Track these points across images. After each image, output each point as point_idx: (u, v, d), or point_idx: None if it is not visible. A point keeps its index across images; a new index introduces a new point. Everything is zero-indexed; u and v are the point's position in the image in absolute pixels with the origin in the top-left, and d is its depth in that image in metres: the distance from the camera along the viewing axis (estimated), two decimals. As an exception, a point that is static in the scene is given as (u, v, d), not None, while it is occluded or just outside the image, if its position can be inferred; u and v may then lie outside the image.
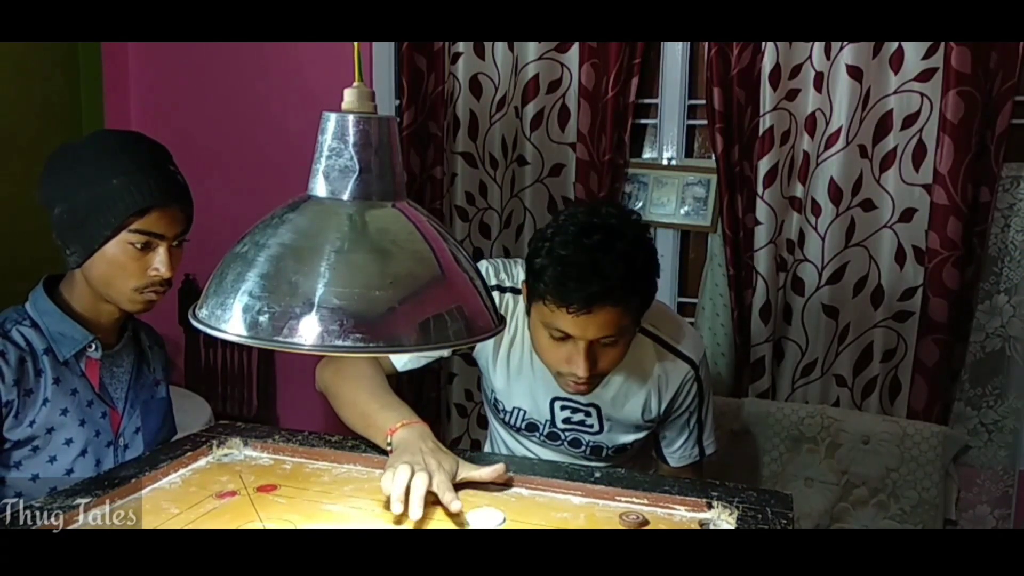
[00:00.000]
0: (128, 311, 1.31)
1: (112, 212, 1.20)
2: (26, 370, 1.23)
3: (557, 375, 1.31)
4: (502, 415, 1.47)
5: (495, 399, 1.47)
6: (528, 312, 1.31)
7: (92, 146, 1.25)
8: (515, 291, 1.42)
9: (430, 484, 1.14)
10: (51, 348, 1.26)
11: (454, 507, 1.13)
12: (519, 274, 1.43)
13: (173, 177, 1.26)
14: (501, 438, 1.56)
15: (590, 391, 1.32)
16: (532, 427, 1.46)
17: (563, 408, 1.43)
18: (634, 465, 1.55)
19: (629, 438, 1.45)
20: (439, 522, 1.14)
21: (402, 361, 1.45)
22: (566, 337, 1.23)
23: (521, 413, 1.45)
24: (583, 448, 1.45)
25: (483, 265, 1.46)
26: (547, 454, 1.49)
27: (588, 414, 1.42)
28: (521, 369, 1.42)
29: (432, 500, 1.16)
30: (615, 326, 1.22)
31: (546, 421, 1.44)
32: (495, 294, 1.42)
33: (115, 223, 1.21)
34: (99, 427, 1.30)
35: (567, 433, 1.45)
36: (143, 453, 1.33)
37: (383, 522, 1.14)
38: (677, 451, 1.51)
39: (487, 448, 1.64)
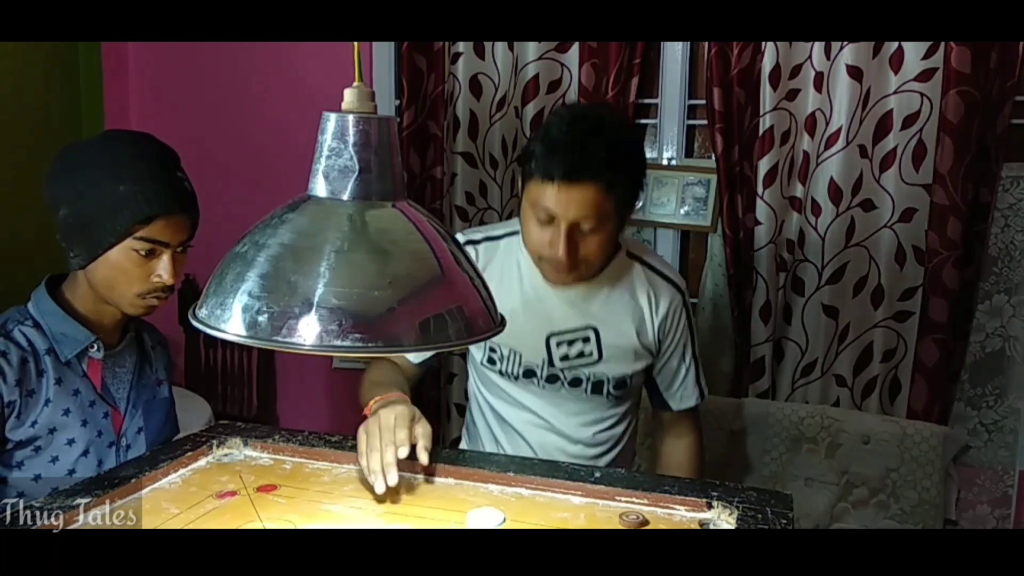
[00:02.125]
0: (129, 315, 1.31)
1: (118, 219, 1.20)
2: (28, 370, 1.23)
3: (539, 261, 1.37)
4: (499, 365, 1.47)
5: (490, 347, 1.47)
6: (520, 203, 1.38)
7: (101, 148, 1.24)
8: (489, 239, 1.50)
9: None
10: (53, 348, 1.26)
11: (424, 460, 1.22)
12: (494, 229, 1.52)
13: (180, 184, 1.25)
14: (493, 411, 1.53)
15: (571, 278, 1.38)
16: (530, 372, 1.46)
17: (559, 344, 1.44)
18: (629, 462, 1.56)
19: (628, 368, 1.46)
20: (439, 522, 1.14)
21: (414, 354, 1.46)
22: (550, 220, 1.29)
23: (517, 357, 1.45)
24: (584, 386, 1.45)
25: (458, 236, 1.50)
26: (548, 407, 1.48)
27: (586, 340, 1.43)
28: (513, 314, 1.42)
29: (433, 500, 1.16)
30: (596, 208, 1.28)
31: (543, 362, 1.44)
32: (468, 248, 1.46)
33: (120, 230, 1.21)
34: (101, 427, 1.30)
35: (566, 372, 1.45)
36: (145, 453, 1.33)
37: (383, 522, 1.14)
38: (678, 391, 1.53)
39: (478, 439, 1.59)
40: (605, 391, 1.46)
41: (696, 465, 1.58)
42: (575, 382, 1.45)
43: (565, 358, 1.44)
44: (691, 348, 1.52)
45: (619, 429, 1.52)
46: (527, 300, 1.43)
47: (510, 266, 1.45)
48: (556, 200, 1.27)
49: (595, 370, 1.45)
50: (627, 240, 1.50)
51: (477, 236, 1.50)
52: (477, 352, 1.51)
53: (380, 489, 1.17)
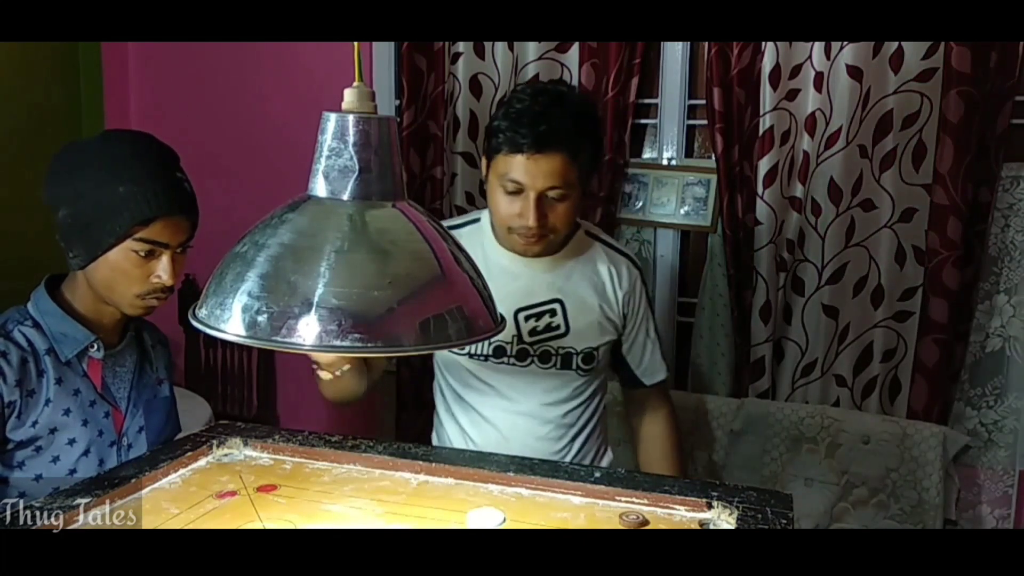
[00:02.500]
0: (129, 315, 1.31)
1: (117, 220, 1.20)
2: (28, 370, 1.23)
3: (508, 232, 1.42)
4: (468, 348, 1.49)
5: None
6: (486, 179, 1.42)
7: (101, 149, 1.24)
8: (451, 227, 1.51)
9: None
10: (53, 348, 1.26)
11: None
12: (454, 220, 1.57)
13: (180, 185, 1.25)
14: (462, 401, 1.53)
15: (541, 247, 1.42)
16: (500, 351, 1.48)
17: (528, 318, 1.47)
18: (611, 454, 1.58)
19: (594, 342, 1.50)
20: (439, 522, 1.14)
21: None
22: (518, 191, 1.35)
23: None
24: (553, 362, 1.48)
25: None
26: (519, 385, 1.49)
27: (553, 313, 1.47)
28: None
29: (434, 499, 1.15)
30: (562, 176, 1.34)
31: (513, 338, 1.47)
32: None
33: (120, 232, 1.20)
34: (102, 427, 1.30)
35: (536, 347, 1.48)
36: (146, 452, 1.33)
37: (383, 522, 1.14)
38: (647, 366, 1.59)
39: (447, 436, 1.59)
40: (574, 365, 1.49)
41: (674, 436, 1.64)
42: (544, 357, 1.49)
43: (534, 332, 1.48)
44: (653, 324, 1.60)
45: (588, 410, 1.55)
46: (494, 280, 1.42)
47: (474, 251, 1.45)
48: (524, 170, 1.33)
49: (563, 343, 1.48)
50: (582, 221, 1.57)
51: (450, 223, 1.54)
52: None
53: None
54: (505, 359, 1.48)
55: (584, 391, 1.53)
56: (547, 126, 1.32)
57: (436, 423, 1.63)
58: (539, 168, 1.33)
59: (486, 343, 1.47)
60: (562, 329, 1.48)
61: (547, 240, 1.42)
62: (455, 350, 1.50)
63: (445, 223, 1.54)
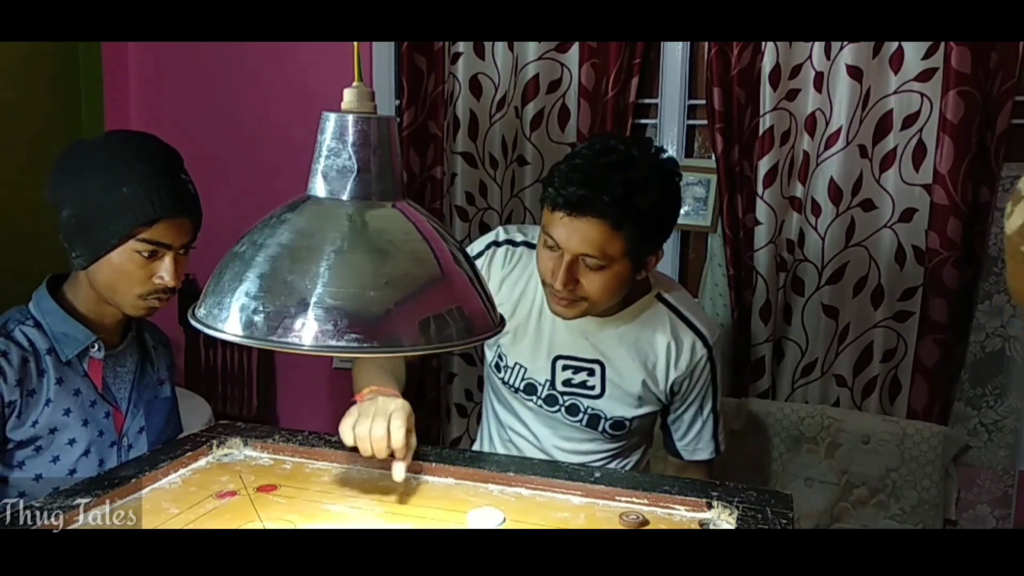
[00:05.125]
0: (130, 315, 1.31)
1: (121, 221, 1.20)
2: (29, 370, 1.23)
3: (544, 287, 1.33)
4: (503, 374, 1.45)
5: (499, 355, 1.46)
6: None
7: (105, 149, 1.24)
8: (528, 245, 1.44)
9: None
10: (54, 348, 1.26)
11: (398, 476, 1.18)
12: (535, 235, 1.43)
13: (184, 186, 1.25)
14: (494, 412, 1.53)
15: (570, 313, 1.31)
16: (531, 389, 1.44)
17: (565, 368, 1.41)
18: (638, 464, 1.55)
19: (628, 412, 1.41)
20: (439, 522, 1.14)
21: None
22: (556, 247, 1.25)
23: (521, 371, 1.43)
24: (580, 416, 1.42)
25: (498, 230, 1.49)
26: (541, 427, 1.46)
27: (591, 372, 1.40)
28: (528, 324, 1.42)
29: (432, 499, 1.16)
30: (599, 246, 1.22)
31: (546, 381, 1.42)
32: (506, 247, 1.45)
33: (123, 232, 1.21)
34: (102, 427, 1.30)
35: (566, 397, 1.42)
36: (146, 453, 1.33)
37: (383, 522, 1.14)
38: (691, 442, 1.46)
39: (481, 435, 1.60)
40: (601, 427, 1.43)
41: None
42: (572, 410, 1.43)
43: (568, 383, 1.42)
44: (711, 403, 1.45)
45: (613, 466, 1.48)
46: (543, 317, 1.41)
47: (535, 277, 1.40)
48: (559, 230, 1.23)
49: (594, 404, 1.42)
50: (662, 280, 1.44)
51: (518, 238, 1.46)
52: (489, 352, 1.50)
53: (367, 453, 1.17)
54: (534, 399, 1.44)
55: (610, 449, 1.46)
56: (590, 190, 1.19)
57: (482, 423, 1.61)
58: (574, 230, 1.22)
59: (519, 378, 1.44)
60: (596, 391, 1.40)
61: (581, 307, 1.30)
62: (492, 370, 1.48)
63: (528, 232, 1.46)
